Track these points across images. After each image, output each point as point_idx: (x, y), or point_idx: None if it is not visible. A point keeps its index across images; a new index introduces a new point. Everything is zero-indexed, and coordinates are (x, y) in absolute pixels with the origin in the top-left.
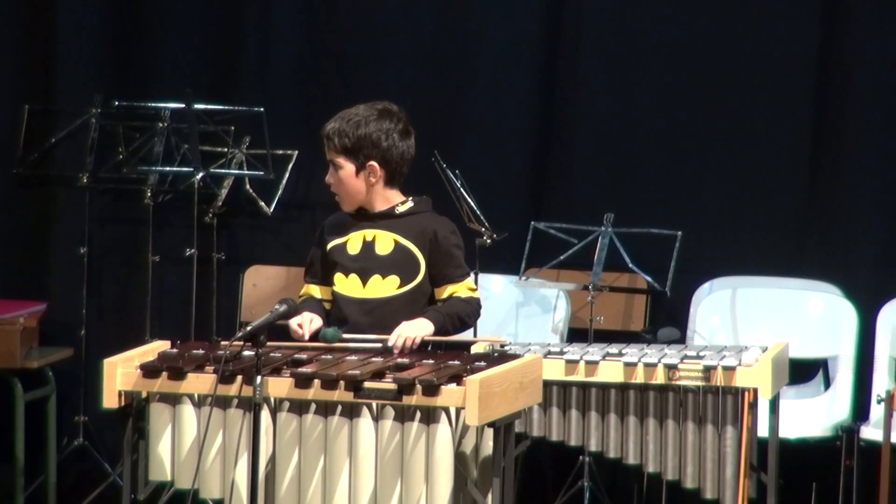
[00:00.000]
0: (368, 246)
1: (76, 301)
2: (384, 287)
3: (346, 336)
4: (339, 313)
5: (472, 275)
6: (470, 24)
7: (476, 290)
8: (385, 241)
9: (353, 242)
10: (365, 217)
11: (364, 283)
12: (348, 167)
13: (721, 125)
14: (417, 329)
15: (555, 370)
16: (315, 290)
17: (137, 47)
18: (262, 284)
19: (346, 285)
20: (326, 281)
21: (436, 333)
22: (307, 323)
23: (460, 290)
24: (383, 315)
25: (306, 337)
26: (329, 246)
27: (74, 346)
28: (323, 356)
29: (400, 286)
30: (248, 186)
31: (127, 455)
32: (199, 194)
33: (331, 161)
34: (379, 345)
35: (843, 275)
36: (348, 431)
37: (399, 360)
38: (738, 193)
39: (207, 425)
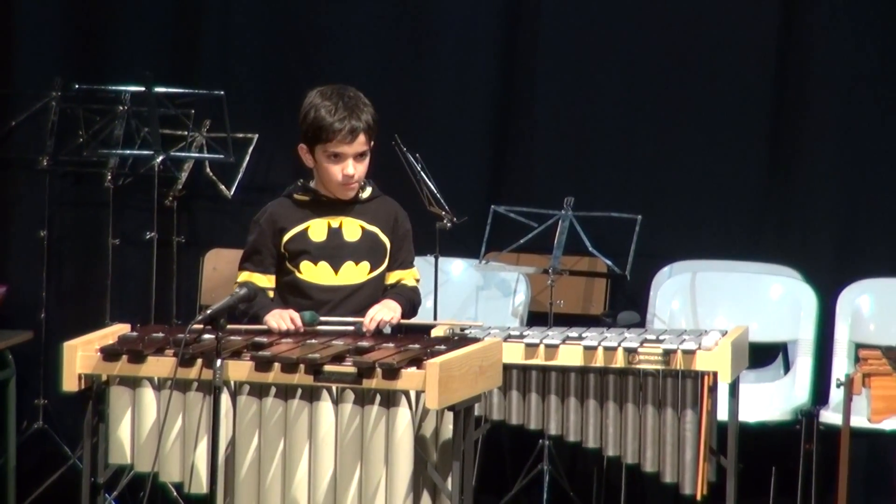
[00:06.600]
0: (336, 233)
1: (36, 284)
2: (357, 273)
3: (323, 319)
4: (301, 302)
5: (433, 259)
6: (429, 8)
7: (420, 279)
8: (352, 228)
9: (316, 229)
10: (324, 204)
11: (336, 269)
12: (368, 151)
13: (680, 109)
14: (391, 311)
15: (515, 354)
16: (259, 279)
17: (97, 30)
18: (222, 268)
19: (315, 273)
20: (272, 269)
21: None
22: (288, 317)
23: (408, 277)
24: (358, 300)
25: (302, 329)
26: (288, 234)
27: (34, 328)
28: (284, 339)
29: (370, 271)
30: (208, 170)
31: (87, 438)
32: (160, 177)
33: (358, 154)
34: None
35: (802, 259)
36: (308, 415)
37: (359, 343)
38: (697, 178)
39: (167, 408)
